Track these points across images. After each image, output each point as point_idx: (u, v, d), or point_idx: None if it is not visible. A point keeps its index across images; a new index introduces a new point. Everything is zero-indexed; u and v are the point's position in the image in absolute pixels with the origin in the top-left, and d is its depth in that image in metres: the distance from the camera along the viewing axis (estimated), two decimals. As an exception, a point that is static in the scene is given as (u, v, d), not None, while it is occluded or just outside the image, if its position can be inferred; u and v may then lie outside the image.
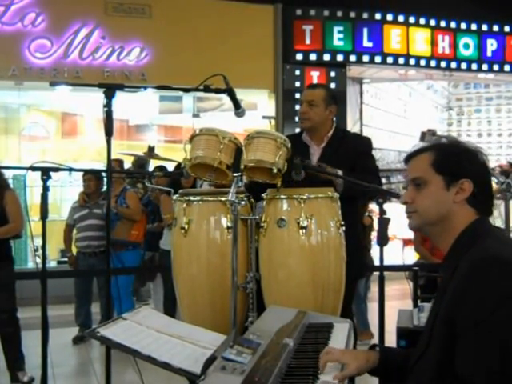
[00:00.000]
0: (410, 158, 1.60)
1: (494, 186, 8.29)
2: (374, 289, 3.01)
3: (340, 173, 2.72)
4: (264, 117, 7.97)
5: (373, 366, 1.58)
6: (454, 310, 1.36)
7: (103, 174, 4.99)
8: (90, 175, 5.08)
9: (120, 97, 2.53)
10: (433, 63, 8.31)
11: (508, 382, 1.28)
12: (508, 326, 1.29)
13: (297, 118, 7.73)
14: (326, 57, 7.79)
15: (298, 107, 7.69)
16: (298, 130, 7.56)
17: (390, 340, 2.76)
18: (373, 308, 3.14)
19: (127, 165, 6.34)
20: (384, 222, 2.46)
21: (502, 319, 1.29)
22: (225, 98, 2.60)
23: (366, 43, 7.93)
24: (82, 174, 5.25)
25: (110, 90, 2.40)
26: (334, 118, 3.08)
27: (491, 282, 1.33)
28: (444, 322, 1.39)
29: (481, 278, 1.34)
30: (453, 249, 1.52)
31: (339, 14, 7.83)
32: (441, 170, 1.52)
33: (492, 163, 11.93)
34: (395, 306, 3.39)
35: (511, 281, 1.33)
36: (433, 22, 8.28)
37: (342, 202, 2.58)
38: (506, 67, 8.68)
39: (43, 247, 2.77)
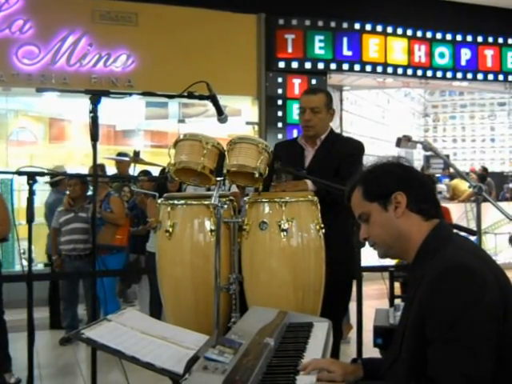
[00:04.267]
0: (348, 199, 1.67)
1: (468, 189, 8.43)
2: (353, 288, 3.10)
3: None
4: (247, 123, 8.05)
5: (358, 379, 1.64)
6: (422, 319, 1.39)
7: (88, 179, 5.03)
8: (76, 179, 5.12)
9: (107, 103, 2.58)
10: (410, 71, 8.45)
11: None
12: (474, 332, 1.33)
13: (279, 124, 7.81)
14: (308, 65, 7.89)
15: (280, 113, 7.79)
16: (280, 136, 7.69)
17: (368, 338, 2.84)
18: (351, 307, 3.23)
19: (112, 169, 6.37)
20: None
21: (468, 325, 1.33)
22: (209, 105, 2.64)
23: (346, 52, 8.04)
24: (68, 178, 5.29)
25: (95, 96, 2.44)
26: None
27: (454, 291, 1.36)
28: (413, 332, 1.43)
29: (444, 288, 1.37)
30: (416, 260, 1.56)
31: (320, 23, 7.93)
32: (372, 198, 1.59)
33: (466, 168, 12.22)
34: (373, 305, 3.48)
35: (473, 288, 1.35)
36: (409, 32, 8.41)
37: (335, 206, 2.63)
38: (479, 75, 8.85)
39: (29, 250, 2.80)
